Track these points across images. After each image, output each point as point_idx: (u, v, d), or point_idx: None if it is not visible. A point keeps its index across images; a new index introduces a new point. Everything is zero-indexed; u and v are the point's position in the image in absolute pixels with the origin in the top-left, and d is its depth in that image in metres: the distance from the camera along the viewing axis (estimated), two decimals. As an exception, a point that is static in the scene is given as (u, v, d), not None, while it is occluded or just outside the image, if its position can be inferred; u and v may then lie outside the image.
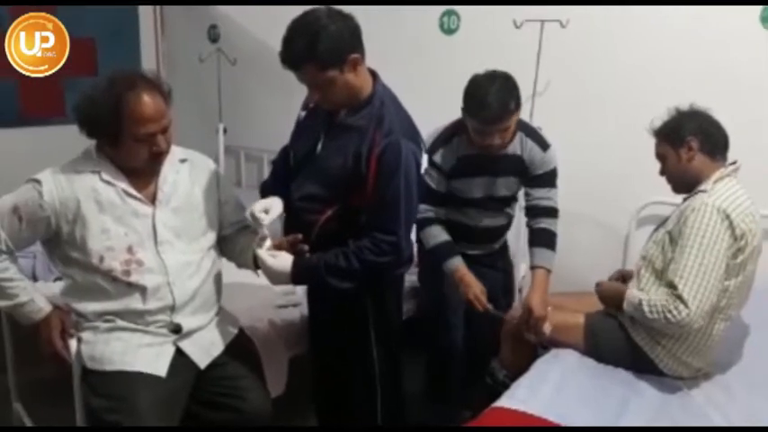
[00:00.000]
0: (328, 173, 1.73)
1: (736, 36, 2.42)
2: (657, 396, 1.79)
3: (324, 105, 1.73)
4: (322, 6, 1.64)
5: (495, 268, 2.42)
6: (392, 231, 1.70)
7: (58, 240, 1.68)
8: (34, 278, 2.41)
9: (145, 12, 4.04)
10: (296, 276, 1.73)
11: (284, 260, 1.72)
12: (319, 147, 1.77)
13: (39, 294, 1.72)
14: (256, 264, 1.77)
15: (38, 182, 1.64)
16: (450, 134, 2.18)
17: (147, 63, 3.97)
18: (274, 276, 1.75)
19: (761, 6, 2.36)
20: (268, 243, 1.73)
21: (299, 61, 1.62)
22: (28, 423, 2.22)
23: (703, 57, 2.49)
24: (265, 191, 1.87)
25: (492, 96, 1.97)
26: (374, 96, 1.72)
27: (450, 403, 2.41)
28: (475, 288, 2.16)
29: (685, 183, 1.90)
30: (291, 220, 1.83)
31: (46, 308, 1.71)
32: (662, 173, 1.96)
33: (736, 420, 1.67)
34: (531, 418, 1.61)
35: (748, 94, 2.40)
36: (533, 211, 2.24)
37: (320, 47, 1.58)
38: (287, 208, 1.81)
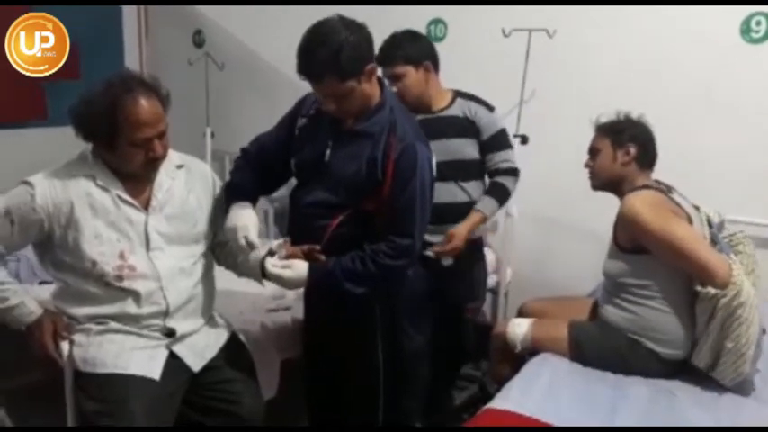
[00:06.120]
0: (341, 180, 1.73)
1: (719, 49, 2.50)
2: (645, 398, 1.81)
3: (337, 115, 1.72)
4: (334, 17, 1.64)
5: (471, 275, 2.41)
6: (408, 234, 1.72)
7: (49, 244, 1.67)
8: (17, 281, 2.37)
9: (129, 15, 4.01)
10: (313, 282, 1.73)
11: (299, 268, 1.72)
12: (328, 154, 1.75)
13: (30, 297, 1.70)
14: (263, 272, 1.76)
15: (30, 185, 1.62)
16: None
17: (131, 66, 3.91)
18: (291, 285, 1.77)
19: (742, 18, 2.44)
20: (282, 253, 1.73)
21: (321, 73, 1.61)
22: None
23: (688, 69, 2.55)
24: (234, 192, 1.82)
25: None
26: (385, 102, 1.74)
27: (416, 406, 2.39)
28: None
29: (608, 182, 2.03)
30: (300, 226, 1.83)
31: (37, 311, 1.69)
32: (588, 165, 2.07)
33: (724, 420, 1.70)
34: (525, 419, 1.63)
35: (730, 108, 2.46)
36: (494, 174, 2.30)
37: (342, 59, 1.58)
38: (295, 214, 1.81)
